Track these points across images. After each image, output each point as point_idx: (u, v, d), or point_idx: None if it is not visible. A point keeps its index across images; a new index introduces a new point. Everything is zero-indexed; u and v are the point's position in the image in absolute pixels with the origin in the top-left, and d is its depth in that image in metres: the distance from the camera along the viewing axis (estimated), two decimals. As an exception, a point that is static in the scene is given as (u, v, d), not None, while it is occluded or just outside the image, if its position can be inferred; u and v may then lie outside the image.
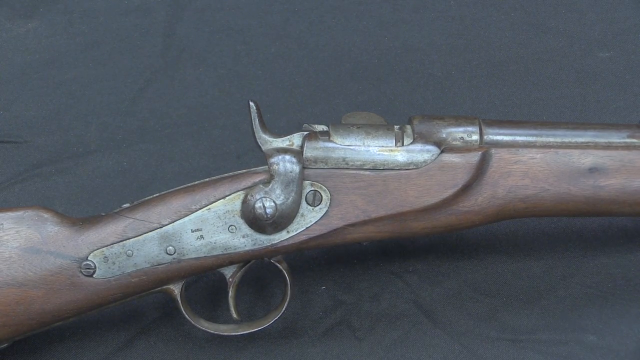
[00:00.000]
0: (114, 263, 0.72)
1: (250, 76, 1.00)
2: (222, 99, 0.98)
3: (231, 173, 0.74)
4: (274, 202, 0.71)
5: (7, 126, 0.96)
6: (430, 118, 0.75)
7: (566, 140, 0.75)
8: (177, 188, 0.74)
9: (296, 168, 0.71)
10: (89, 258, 0.72)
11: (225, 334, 0.79)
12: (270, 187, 0.71)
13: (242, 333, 0.79)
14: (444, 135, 0.74)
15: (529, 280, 0.86)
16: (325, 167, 0.72)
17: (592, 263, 0.88)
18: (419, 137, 0.73)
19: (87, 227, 0.73)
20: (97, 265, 0.72)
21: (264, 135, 0.72)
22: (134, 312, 0.85)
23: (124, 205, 0.74)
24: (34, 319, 0.73)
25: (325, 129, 0.74)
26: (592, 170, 0.74)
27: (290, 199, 0.72)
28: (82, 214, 0.82)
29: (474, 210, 0.75)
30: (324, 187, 0.73)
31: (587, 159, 0.74)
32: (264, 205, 0.71)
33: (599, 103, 0.97)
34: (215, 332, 0.79)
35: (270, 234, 0.73)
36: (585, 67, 0.99)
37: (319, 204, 0.73)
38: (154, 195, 0.74)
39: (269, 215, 0.71)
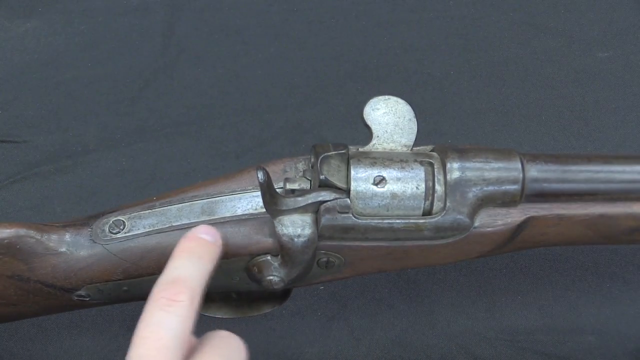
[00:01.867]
0: (109, 294, 0.66)
1: (249, 76, 1.00)
2: (221, 98, 0.98)
3: (234, 217, 0.64)
4: (282, 278, 0.64)
5: (6, 126, 0.96)
6: (466, 173, 0.62)
7: (619, 195, 0.65)
8: (174, 232, 0.64)
9: (310, 246, 0.62)
10: (82, 290, 0.66)
11: (226, 316, 0.73)
12: (279, 262, 0.64)
13: (241, 316, 0.73)
14: (480, 198, 0.63)
15: (527, 280, 0.86)
16: (343, 241, 0.63)
17: (591, 263, 0.87)
18: (451, 208, 0.62)
19: (78, 257, 0.64)
20: (91, 295, 0.66)
21: (275, 207, 0.61)
22: (132, 313, 0.85)
23: (117, 233, 0.65)
24: (25, 318, 0.71)
25: (342, 152, 0.62)
26: (634, 231, 0.68)
27: (300, 272, 0.65)
28: (81, 214, 0.82)
29: (492, 253, 0.68)
30: (338, 256, 0.65)
31: (633, 223, 0.67)
32: (271, 281, 0.64)
33: (598, 103, 0.97)
34: (209, 315, 0.72)
35: None
36: (584, 67, 0.99)
37: (331, 268, 0.66)
38: (149, 234, 0.64)
39: (275, 288, 0.65)
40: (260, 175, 0.58)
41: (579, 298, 0.85)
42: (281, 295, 0.73)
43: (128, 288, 0.66)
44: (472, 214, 0.62)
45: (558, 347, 0.82)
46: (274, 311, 0.84)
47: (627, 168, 0.65)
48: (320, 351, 0.83)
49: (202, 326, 0.84)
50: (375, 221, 0.61)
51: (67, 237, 0.65)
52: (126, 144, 0.95)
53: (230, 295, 0.73)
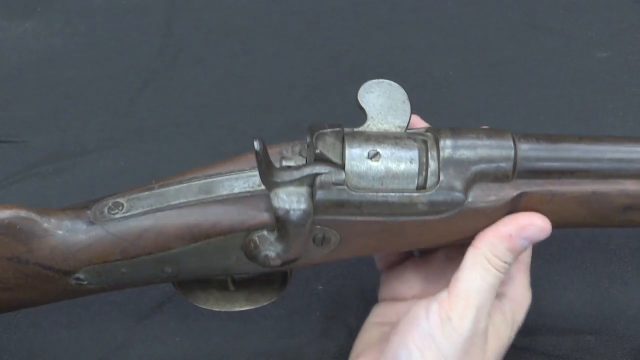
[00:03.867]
0: (107, 276, 0.66)
1: (248, 76, 1.00)
2: (220, 98, 0.98)
3: (231, 195, 0.65)
4: (279, 254, 0.64)
5: (5, 126, 0.96)
6: (459, 150, 0.63)
7: (611, 173, 0.66)
8: (172, 210, 0.65)
9: (306, 219, 0.62)
10: (80, 273, 0.66)
11: (224, 309, 0.73)
12: (275, 237, 0.64)
13: (239, 309, 0.73)
14: (473, 174, 0.64)
15: (526, 280, 0.87)
16: (338, 215, 0.63)
17: (589, 263, 0.88)
18: (444, 183, 0.63)
19: (76, 239, 0.65)
20: (89, 278, 0.66)
21: (271, 178, 0.61)
22: (131, 312, 0.85)
23: (115, 214, 0.65)
24: (23, 306, 0.72)
25: (337, 130, 0.63)
26: (627, 208, 0.67)
27: (296, 247, 0.65)
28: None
29: None
30: (334, 231, 0.65)
31: (626, 200, 0.66)
32: (267, 257, 0.64)
33: (596, 103, 0.97)
34: (206, 307, 0.74)
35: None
36: (582, 67, 1.00)
37: (327, 244, 0.66)
38: (147, 213, 0.65)
39: (272, 265, 0.65)
40: (256, 144, 0.58)
41: (578, 298, 0.85)
42: (278, 287, 0.73)
43: (126, 270, 0.66)
44: (466, 189, 0.63)
45: (557, 346, 0.82)
46: (273, 311, 0.84)
47: (619, 147, 0.66)
48: (319, 351, 0.83)
49: (201, 320, 0.84)
50: (370, 194, 0.62)
51: (66, 219, 0.65)
52: (125, 144, 0.95)
53: (227, 288, 0.73)
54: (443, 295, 0.65)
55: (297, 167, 0.62)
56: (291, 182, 0.62)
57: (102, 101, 0.98)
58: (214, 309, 0.73)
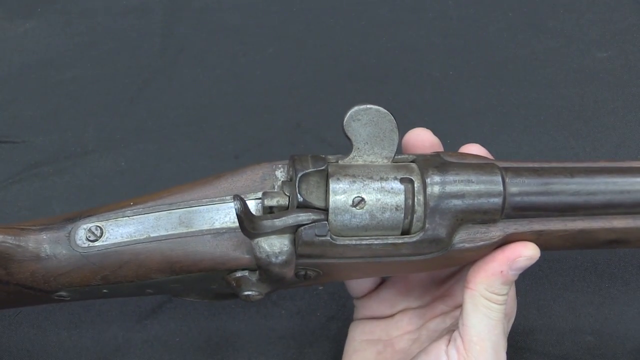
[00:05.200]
0: (89, 294, 0.66)
1: (248, 76, 1.00)
2: (220, 99, 0.98)
3: (212, 230, 0.63)
4: (260, 292, 0.64)
5: (5, 126, 0.96)
6: (447, 195, 0.61)
7: (600, 210, 0.64)
8: (152, 243, 0.63)
9: (288, 266, 0.61)
10: (61, 292, 0.65)
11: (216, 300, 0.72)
12: (257, 279, 0.63)
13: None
14: (459, 219, 0.62)
15: (526, 280, 0.87)
16: (320, 259, 0.62)
17: (590, 264, 0.88)
18: (430, 229, 0.61)
19: (57, 264, 0.64)
20: (71, 295, 0.66)
21: (252, 231, 0.59)
22: (131, 312, 0.85)
23: (94, 241, 0.64)
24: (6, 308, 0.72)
25: (321, 169, 0.60)
26: (612, 242, 0.67)
27: (278, 287, 0.65)
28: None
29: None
30: (316, 269, 0.64)
31: (612, 236, 0.65)
32: (249, 297, 0.64)
33: (596, 103, 0.97)
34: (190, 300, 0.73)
35: None
36: (583, 67, 0.99)
37: (309, 279, 0.65)
38: (127, 245, 0.63)
39: (254, 302, 0.65)
40: (237, 205, 0.56)
41: (578, 298, 0.85)
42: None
43: (108, 291, 0.65)
44: (451, 233, 0.62)
45: (557, 346, 0.82)
46: (273, 311, 0.84)
47: (611, 180, 0.64)
48: (319, 351, 0.83)
49: (201, 320, 0.84)
50: (354, 242, 0.61)
51: (45, 243, 0.64)
52: (125, 144, 0.95)
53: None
54: (458, 342, 0.65)
55: (279, 215, 0.60)
56: (273, 232, 0.60)
57: (102, 101, 0.98)
58: (204, 301, 0.72)
